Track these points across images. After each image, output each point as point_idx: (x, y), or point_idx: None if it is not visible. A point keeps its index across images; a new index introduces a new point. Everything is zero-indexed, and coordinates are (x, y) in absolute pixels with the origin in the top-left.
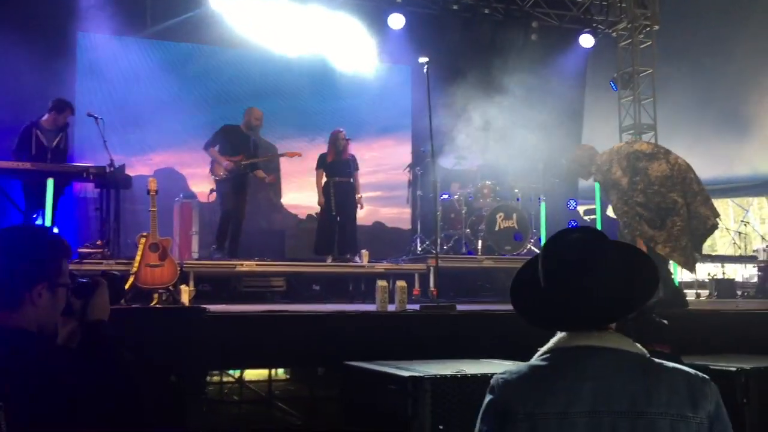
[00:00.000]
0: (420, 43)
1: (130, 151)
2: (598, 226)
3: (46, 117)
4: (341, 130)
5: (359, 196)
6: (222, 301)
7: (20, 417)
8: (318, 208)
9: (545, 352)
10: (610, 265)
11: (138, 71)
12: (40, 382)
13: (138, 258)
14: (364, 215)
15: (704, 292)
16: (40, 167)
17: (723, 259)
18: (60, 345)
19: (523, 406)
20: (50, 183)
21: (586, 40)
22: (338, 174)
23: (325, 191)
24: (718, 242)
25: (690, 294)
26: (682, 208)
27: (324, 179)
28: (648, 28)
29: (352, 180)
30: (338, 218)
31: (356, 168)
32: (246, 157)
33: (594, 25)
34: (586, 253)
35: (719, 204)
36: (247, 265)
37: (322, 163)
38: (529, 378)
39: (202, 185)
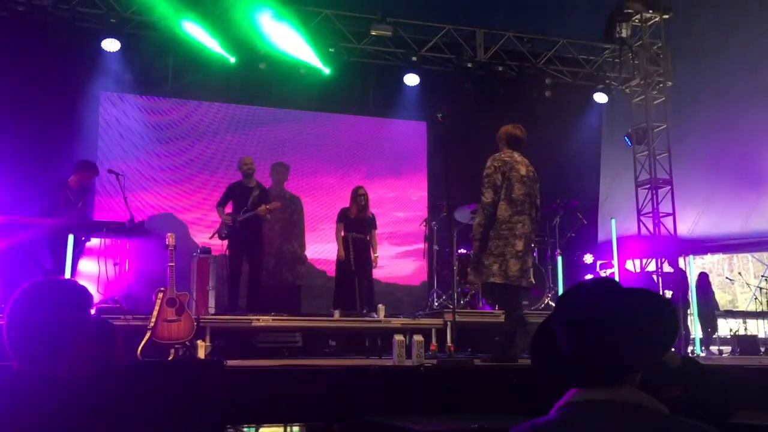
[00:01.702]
0: (435, 100)
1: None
2: (617, 279)
3: (72, 177)
4: (361, 186)
5: (375, 255)
6: (238, 356)
7: None
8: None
9: (562, 407)
10: (622, 316)
11: (157, 128)
12: (73, 424)
13: (155, 313)
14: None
15: (726, 349)
16: (62, 223)
17: (745, 315)
18: (88, 389)
19: None
20: (70, 238)
21: (600, 97)
22: (357, 230)
23: (344, 245)
24: (739, 297)
25: (713, 350)
26: None
27: (342, 233)
28: (661, 85)
29: (368, 237)
30: (356, 274)
31: (375, 227)
32: (244, 212)
33: (607, 81)
34: (596, 306)
35: (739, 259)
36: (263, 320)
37: (344, 218)
38: None
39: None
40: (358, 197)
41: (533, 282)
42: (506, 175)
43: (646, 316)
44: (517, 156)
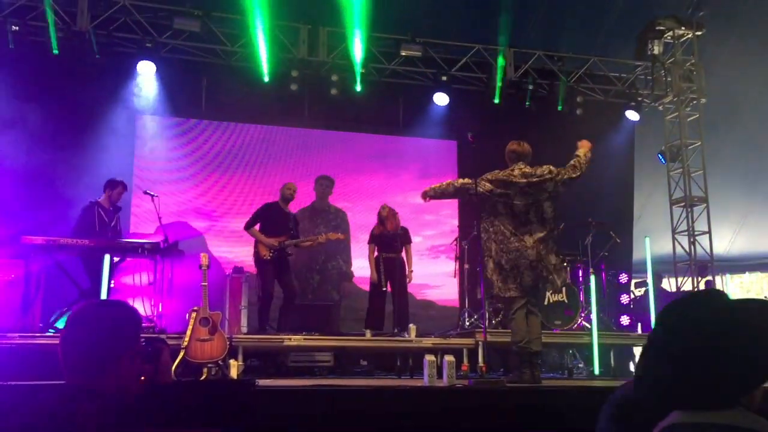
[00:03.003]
0: (466, 119)
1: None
2: (651, 300)
3: (102, 197)
4: (384, 205)
5: (410, 270)
6: (270, 375)
7: None
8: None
9: (665, 428)
10: (732, 331)
11: (191, 148)
12: None
13: (189, 332)
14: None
15: None
16: (98, 243)
17: None
18: (136, 407)
19: None
20: (107, 258)
21: (632, 114)
22: (387, 249)
23: (375, 266)
24: None
25: None
26: None
27: (375, 254)
28: (695, 101)
29: (402, 254)
30: (388, 294)
31: (408, 241)
32: (289, 237)
33: (639, 98)
34: (702, 322)
35: None
36: (294, 340)
37: (374, 238)
38: None
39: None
40: (380, 215)
41: (554, 285)
42: (504, 191)
43: (758, 329)
44: (516, 171)
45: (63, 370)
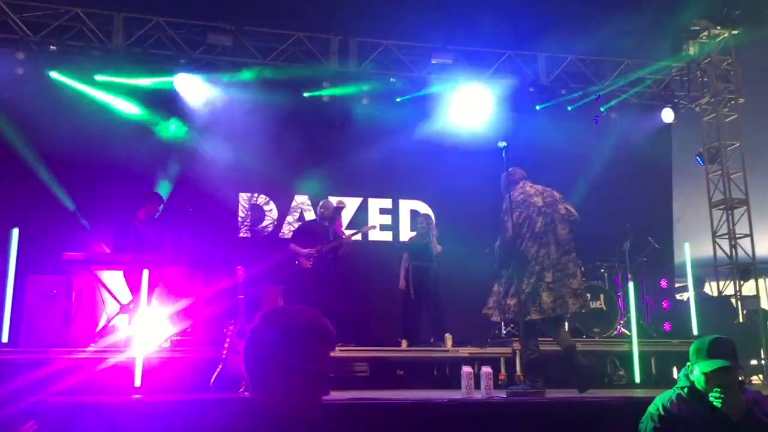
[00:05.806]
0: (498, 123)
1: None
2: (693, 305)
3: (141, 210)
4: (420, 215)
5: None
6: None
7: None
8: None
9: None
10: None
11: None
12: None
13: (227, 345)
14: None
15: None
16: (138, 258)
17: None
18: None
19: None
20: (145, 273)
21: (668, 116)
22: (415, 258)
23: (405, 274)
24: None
25: None
26: None
27: (406, 263)
28: (732, 102)
29: (432, 264)
30: (419, 302)
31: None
32: (325, 245)
33: (675, 100)
34: None
35: None
36: None
37: (406, 247)
38: None
39: None
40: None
41: (572, 308)
42: (523, 213)
43: None
44: (528, 188)
45: (247, 383)
